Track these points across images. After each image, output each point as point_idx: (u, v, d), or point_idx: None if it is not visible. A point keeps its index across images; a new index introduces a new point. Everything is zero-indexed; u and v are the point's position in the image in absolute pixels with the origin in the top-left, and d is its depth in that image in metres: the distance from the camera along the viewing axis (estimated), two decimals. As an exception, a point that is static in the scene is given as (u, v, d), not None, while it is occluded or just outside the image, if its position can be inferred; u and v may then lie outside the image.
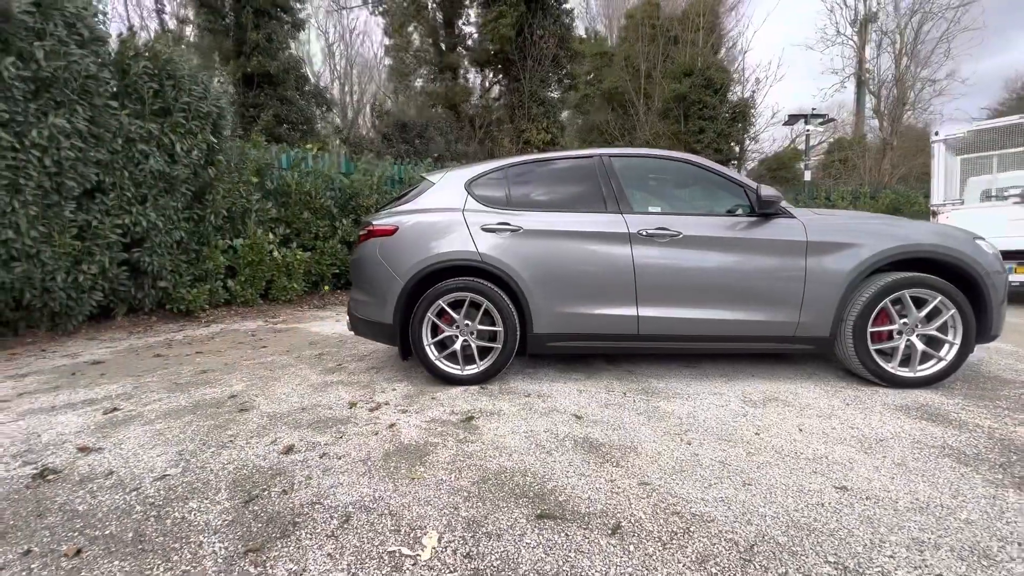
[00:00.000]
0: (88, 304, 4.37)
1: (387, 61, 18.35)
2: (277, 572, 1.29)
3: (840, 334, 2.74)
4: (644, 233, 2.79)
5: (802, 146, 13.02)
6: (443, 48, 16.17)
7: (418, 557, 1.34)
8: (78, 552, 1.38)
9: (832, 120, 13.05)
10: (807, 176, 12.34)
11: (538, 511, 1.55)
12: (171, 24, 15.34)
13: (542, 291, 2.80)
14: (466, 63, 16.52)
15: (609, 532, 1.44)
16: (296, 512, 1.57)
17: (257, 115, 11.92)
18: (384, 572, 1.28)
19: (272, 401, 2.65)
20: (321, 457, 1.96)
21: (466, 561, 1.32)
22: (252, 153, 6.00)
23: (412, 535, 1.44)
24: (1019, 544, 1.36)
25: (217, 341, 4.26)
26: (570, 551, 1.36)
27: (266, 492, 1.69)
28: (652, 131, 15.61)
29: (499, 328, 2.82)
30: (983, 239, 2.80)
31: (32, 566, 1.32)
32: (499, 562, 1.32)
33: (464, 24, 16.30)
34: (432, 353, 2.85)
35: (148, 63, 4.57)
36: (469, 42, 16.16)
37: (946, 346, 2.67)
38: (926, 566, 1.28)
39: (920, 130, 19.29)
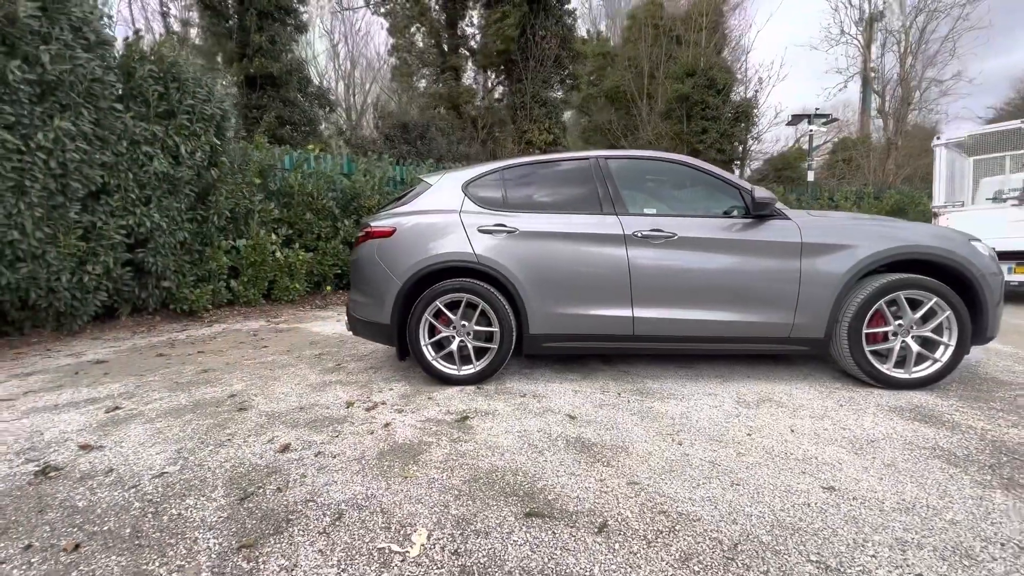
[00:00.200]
0: (93, 304, 4.43)
1: (392, 61, 18.41)
2: (269, 567, 1.32)
3: (835, 335, 2.75)
4: (639, 234, 2.80)
5: (807, 146, 12.95)
6: (446, 49, 16.21)
7: (407, 554, 1.37)
8: (76, 547, 1.41)
9: (835, 120, 12.98)
10: (810, 176, 12.27)
11: (527, 509, 1.58)
12: (175, 27, 15.48)
13: (538, 292, 2.82)
14: (469, 64, 16.56)
15: (595, 530, 1.46)
16: (290, 509, 1.60)
17: (260, 117, 12.00)
18: (373, 568, 1.31)
19: (271, 400, 2.69)
20: (316, 456, 1.99)
21: (454, 558, 1.35)
22: (255, 154, 6.06)
23: (402, 532, 1.47)
24: (1002, 544, 1.37)
25: (219, 341, 4.31)
26: (556, 549, 1.38)
27: (261, 490, 1.72)
28: (655, 131, 15.58)
29: (495, 329, 2.84)
30: (979, 240, 2.80)
31: (32, 560, 1.36)
32: (486, 559, 1.34)
33: (467, 25, 16.34)
34: (429, 353, 2.88)
35: (153, 66, 4.63)
36: (472, 43, 16.20)
37: (941, 347, 2.67)
38: (908, 565, 1.29)
39: (926, 130, 19.13)
